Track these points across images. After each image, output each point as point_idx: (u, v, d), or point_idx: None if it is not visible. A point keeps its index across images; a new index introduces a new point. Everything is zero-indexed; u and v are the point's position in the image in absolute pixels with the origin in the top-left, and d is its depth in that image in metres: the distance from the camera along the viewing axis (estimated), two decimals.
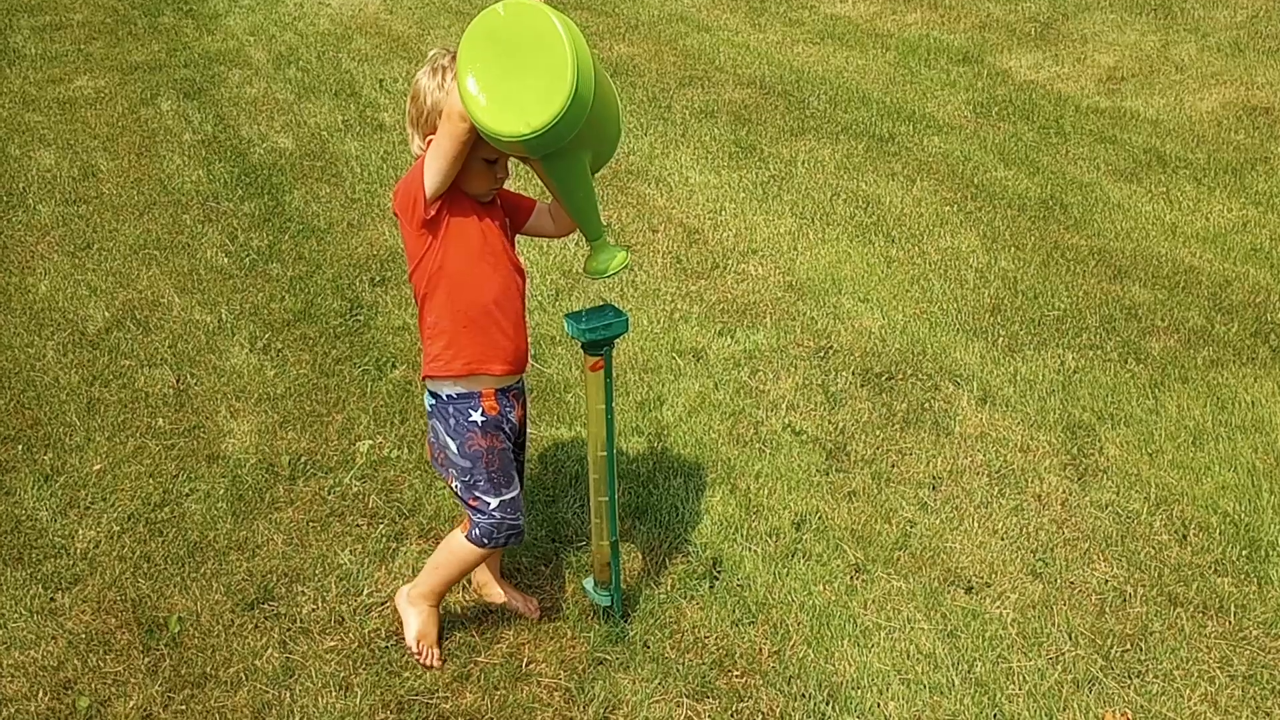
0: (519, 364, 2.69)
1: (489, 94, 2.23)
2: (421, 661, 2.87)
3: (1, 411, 3.91)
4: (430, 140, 2.48)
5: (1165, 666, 2.89)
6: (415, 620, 2.88)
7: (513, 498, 2.73)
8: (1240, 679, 2.86)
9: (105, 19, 8.96)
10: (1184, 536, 3.34)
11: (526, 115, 2.21)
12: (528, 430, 2.93)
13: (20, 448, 3.72)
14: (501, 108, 2.23)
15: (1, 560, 3.23)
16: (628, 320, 2.63)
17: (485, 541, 2.72)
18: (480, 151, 2.45)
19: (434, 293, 2.57)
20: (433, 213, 2.49)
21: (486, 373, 2.62)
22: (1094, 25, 8.58)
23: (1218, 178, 5.86)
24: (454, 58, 2.48)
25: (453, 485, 2.74)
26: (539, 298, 4.63)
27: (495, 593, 3.05)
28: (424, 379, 2.67)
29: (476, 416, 2.64)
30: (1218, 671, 2.88)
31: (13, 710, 2.75)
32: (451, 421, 2.65)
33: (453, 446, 2.66)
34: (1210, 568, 3.22)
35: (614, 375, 2.69)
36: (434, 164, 2.43)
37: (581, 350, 2.66)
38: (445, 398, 2.65)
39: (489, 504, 2.70)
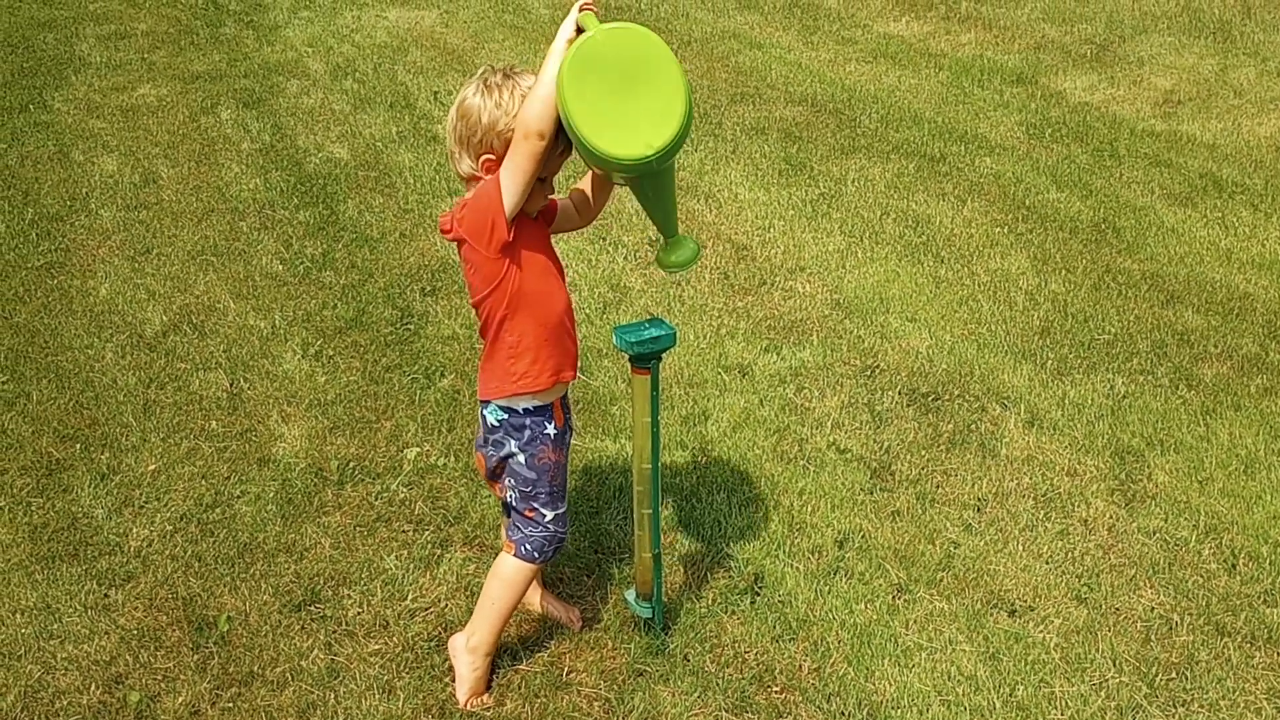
0: (577, 366, 2.74)
1: (605, 121, 2.29)
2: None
3: (61, 411, 4.01)
4: (487, 161, 2.49)
5: (1211, 696, 2.86)
6: (470, 676, 2.81)
7: (564, 511, 2.78)
8: None
9: (169, 29, 9.15)
10: (1233, 565, 3.30)
11: (646, 137, 2.29)
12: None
13: (78, 446, 3.81)
14: (619, 133, 2.29)
15: (58, 556, 3.31)
16: (675, 334, 2.65)
17: (536, 556, 2.75)
18: (539, 171, 2.44)
19: (515, 314, 2.55)
20: (513, 234, 2.47)
21: (562, 380, 2.67)
22: (1151, 48, 8.50)
23: (1275, 203, 5.78)
24: (505, 75, 2.51)
25: (507, 497, 2.76)
26: (586, 311, 4.67)
27: (536, 601, 3.08)
28: (502, 398, 2.64)
29: (550, 429, 2.67)
30: (1264, 703, 2.84)
31: (66, 703, 2.82)
32: (526, 434, 2.66)
33: (521, 459, 2.68)
34: (1259, 598, 3.18)
35: (660, 389, 2.71)
36: (511, 184, 2.41)
37: (629, 364, 2.68)
38: (522, 411, 2.65)
39: (545, 516, 2.73)
